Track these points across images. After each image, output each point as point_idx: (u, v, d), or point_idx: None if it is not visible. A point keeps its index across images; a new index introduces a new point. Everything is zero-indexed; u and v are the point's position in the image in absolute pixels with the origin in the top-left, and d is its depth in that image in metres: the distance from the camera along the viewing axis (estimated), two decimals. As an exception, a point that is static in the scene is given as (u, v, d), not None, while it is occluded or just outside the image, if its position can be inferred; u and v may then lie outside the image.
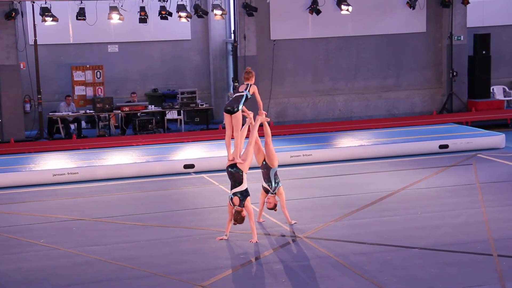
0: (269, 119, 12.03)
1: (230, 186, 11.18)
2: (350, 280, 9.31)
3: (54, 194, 14.83)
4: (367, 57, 22.93)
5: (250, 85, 11.37)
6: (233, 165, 11.10)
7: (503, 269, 9.48)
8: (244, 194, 11.02)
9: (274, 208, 11.69)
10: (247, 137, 11.49)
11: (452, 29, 22.72)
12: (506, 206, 12.58)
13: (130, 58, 23.30)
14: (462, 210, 12.35)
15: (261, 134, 11.63)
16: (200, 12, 20.94)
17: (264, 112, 11.78)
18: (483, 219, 11.74)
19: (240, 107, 11.24)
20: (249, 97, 11.31)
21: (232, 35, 22.10)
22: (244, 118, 11.39)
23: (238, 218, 11.04)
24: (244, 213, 11.01)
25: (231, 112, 11.22)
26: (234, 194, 11.04)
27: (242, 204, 10.98)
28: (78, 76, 22.32)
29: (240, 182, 11.05)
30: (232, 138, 11.36)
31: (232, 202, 11.06)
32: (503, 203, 12.78)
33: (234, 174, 11.07)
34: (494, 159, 16.64)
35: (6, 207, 13.77)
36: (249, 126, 11.59)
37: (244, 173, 11.06)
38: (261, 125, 11.75)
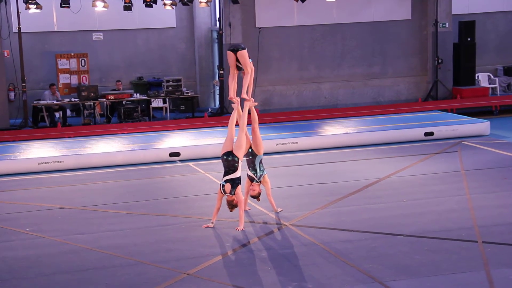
0: (256, 103, 12.00)
1: (223, 173, 11.10)
2: (335, 267, 9.33)
3: (39, 182, 14.76)
4: (352, 44, 22.92)
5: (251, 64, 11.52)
6: (229, 153, 11.04)
7: (487, 255, 9.52)
8: (237, 182, 10.96)
9: (257, 196, 11.59)
10: (237, 124, 11.45)
11: (437, 16, 22.75)
12: (491, 193, 12.63)
13: (115, 46, 23.19)
14: (447, 197, 12.40)
15: (248, 122, 11.61)
16: (185, -1, 20.87)
17: (252, 98, 11.78)
18: (468, 206, 11.79)
19: (245, 48, 11.24)
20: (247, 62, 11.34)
21: (217, 23, 22.03)
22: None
23: (231, 206, 11.03)
24: (236, 201, 10.99)
25: (235, 50, 11.22)
26: (226, 181, 10.99)
27: (233, 191, 10.92)
28: (62, 64, 22.20)
29: (234, 170, 10.98)
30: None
31: (223, 190, 10.97)
32: (488, 190, 12.83)
33: (230, 161, 11.01)
34: (479, 146, 16.70)
35: (-9, 196, 13.72)
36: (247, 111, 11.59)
37: (240, 161, 11.03)
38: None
